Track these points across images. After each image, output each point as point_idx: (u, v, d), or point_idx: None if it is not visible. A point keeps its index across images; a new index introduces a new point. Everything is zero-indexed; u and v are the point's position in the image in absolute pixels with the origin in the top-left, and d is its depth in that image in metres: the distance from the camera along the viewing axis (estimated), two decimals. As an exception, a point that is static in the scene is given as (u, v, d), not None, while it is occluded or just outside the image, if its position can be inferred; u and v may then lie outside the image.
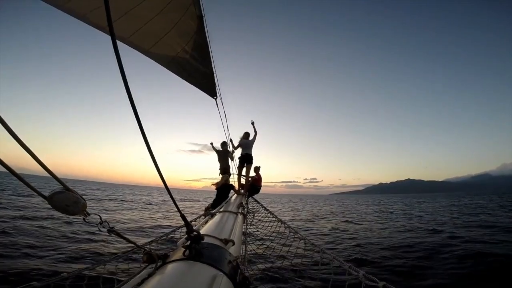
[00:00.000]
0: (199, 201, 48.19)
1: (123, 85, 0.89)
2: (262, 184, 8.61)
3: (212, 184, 7.71)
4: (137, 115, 0.94)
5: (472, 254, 8.86)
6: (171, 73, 3.89)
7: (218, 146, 8.56)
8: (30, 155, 0.80)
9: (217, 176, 8.15)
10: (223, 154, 8.17)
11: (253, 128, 8.22)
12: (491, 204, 36.22)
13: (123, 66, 0.86)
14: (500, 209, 27.78)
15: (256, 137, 8.21)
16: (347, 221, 20.86)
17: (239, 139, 8.23)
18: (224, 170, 8.05)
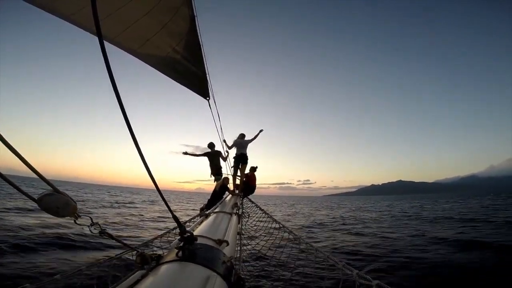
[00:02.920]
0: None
1: (111, 86, 0.88)
2: (256, 185, 8.55)
3: (215, 187, 7.51)
4: (126, 116, 0.94)
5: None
6: (163, 74, 3.85)
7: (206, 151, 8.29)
8: (18, 157, 0.79)
9: (208, 178, 7.96)
10: (214, 155, 7.96)
11: (256, 134, 8.23)
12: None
13: (111, 67, 0.85)
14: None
15: (253, 142, 8.24)
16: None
17: (234, 140, 8.20)
18: (217, 171, 7.84)
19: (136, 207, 28.01)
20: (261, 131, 8.24)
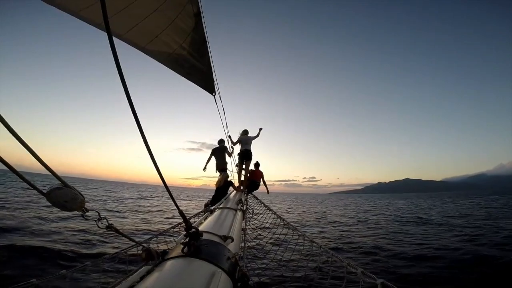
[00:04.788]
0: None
1: (121, 83, 0.88)
2: (264, 181, 8.60)
3: (216, 184, 7.56)
4: (135, 112, 0.94)
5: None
6: (169, 71, 3.87)
7: (212, 147, 8.36)
8: (30, 152, 0.80)
9: (214, 174, 8.00)
10: (221, 151, 8.03)
11: (258, 132, 8.46)
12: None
13: (120, 64, 0.85)
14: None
15: (256, 139, 8.41)
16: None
17: (239, 135, 8.32)
18: (222, 167, 7.88)
19: (124, 203, 27.14)
20: (260, 129, 8.50)
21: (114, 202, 26.59)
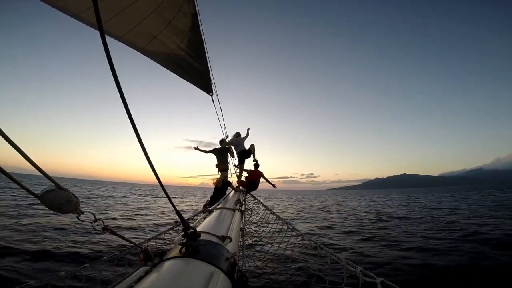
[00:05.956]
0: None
1: (114, 83, 0.88)
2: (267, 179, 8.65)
3: (213, 183, 7.62)
4: (129, 112, 0.93)
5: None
6: (167, 70, 3.89)
7: (210, 145, 8.50)
8: (21, 154, 0.79)
9: (215, 173, 8.07)
10: (222, 151, 8.11)
11: (247, 133, 8.58)
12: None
13: (113, 63, 0.85)
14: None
15: (247, 138, 8.58)
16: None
17: (231, 139, 8.42)
18: (222, 167, 7.96)
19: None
20: (248, 129, 8.68)
21: (102, 201, 26.64)
